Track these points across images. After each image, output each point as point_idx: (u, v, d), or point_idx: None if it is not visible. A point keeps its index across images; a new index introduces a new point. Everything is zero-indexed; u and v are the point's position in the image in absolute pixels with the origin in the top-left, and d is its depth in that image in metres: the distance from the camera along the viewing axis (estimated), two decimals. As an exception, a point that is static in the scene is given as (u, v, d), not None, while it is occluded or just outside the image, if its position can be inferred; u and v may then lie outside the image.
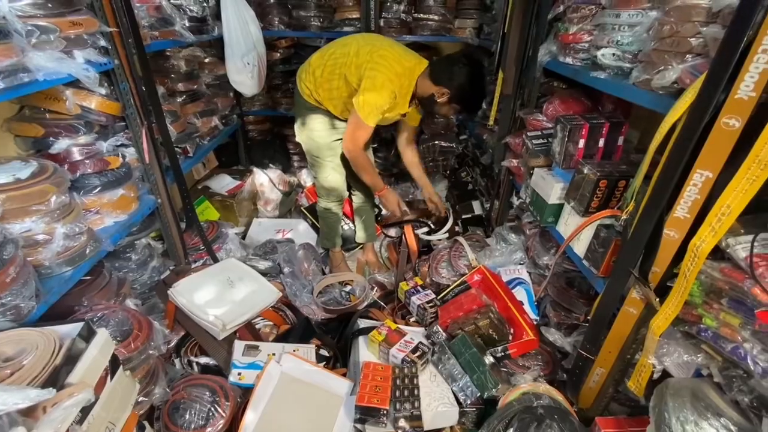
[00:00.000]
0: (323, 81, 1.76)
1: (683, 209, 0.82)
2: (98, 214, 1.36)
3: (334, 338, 1.68)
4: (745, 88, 0.68)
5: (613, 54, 1.16)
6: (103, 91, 1.31)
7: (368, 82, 1.62)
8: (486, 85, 1.96)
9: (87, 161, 1.31)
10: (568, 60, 1.38)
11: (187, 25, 1.82)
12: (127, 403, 0.97)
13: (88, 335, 0.88)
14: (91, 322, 0.91)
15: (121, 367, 0.96)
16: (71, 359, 0.81)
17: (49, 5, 1.08)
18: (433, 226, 2.41)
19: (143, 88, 1.44)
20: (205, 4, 1.95)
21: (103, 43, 1.25)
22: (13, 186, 1.04)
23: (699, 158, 0.77)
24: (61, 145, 1.26)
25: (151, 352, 1.11)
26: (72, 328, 0.88)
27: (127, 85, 1.39)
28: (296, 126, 2.01)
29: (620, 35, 1.12)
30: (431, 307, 1.69)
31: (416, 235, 2.37)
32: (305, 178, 2.92)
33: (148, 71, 1.45)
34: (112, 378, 0.91)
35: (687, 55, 0.91)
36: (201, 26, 1.96)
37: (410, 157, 2.18)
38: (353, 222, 2.44)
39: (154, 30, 1.60)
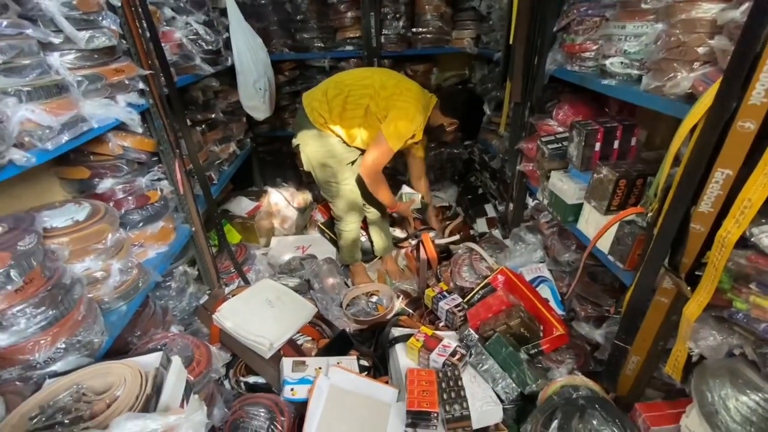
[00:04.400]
0: (341, 110, 1.85)
1: (707, 204, 0.90)
2: (142, 247, 1.42)
3: (370, 347, 1.74)
4: (757, 95, 0.77)
5: (621, 62, 1.24)
6: (140, 130, 1.37)
7: (401, 112, 1.74)
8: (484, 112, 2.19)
9: (130, 198, 1.37)
10: (575, 68, 1.47)
11: (203, 57, 1.90)
12: (201, 427, 1.02)
13: (166, 364, 0.94)
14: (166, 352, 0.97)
15: (192, 391, 1.02)
16: (157, 388, 0.87)
17: (95, 56, 1.15)
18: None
19: (175, 123, 1.51)
20: (218, 37, 2.03)
21: (141, 86, 1.32)
22: (74, 228, 1.10)
23: (719, 158, 0.85)
24: (106, 184, 1.32)
25: (212, 375, 1.16)
26: (152, 359, 0.94)
27: (161, 122, 1.46)
28: (306, 155, 2.04)
29: (627, 45, 1.21)
30: (459, 310, 1.75)
31: (433, 241, 2.44)
32: (317, 193, 2.98)
33: (180, 107, 1.53)
34: (187, 403, 0.97)
35: (694, 63, 1.00)
36: (216, 58, 2.04)
37: (423, 190, 2.39)
38: (368, 234, 2.50)
39: (177, 67, 1.67)
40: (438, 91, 2.10)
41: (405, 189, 2.37)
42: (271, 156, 3.21)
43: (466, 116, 1.94)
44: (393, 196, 2.10)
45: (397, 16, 2.65)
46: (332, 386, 1.37)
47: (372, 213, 2.34)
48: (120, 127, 1.33)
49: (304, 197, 2.93)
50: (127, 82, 1.26)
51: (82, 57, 1.12)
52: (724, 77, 0.81)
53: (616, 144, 1.34)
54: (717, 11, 0.93)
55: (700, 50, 0.98)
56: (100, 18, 1.12)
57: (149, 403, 0.82)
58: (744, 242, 0.86)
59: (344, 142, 1.96)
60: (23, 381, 0.91)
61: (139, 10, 1.30)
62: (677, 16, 1.02)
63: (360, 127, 1.88)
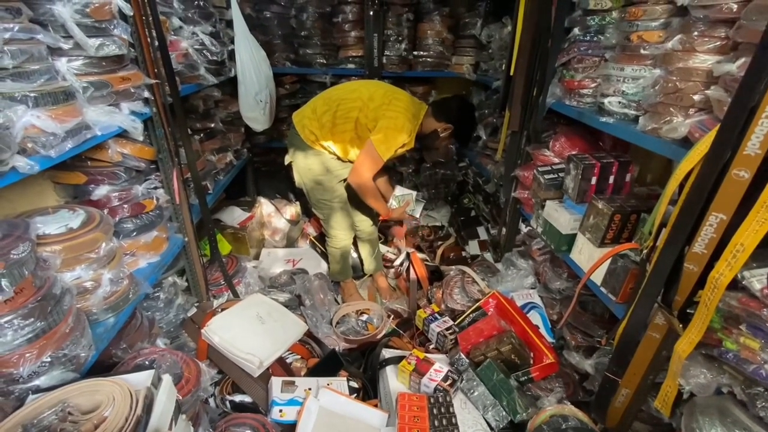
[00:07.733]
0: (332, 125, 1.86)
1: (701, 246, 0.93)
2: (134, 256, 1.39)
3: (359, 368, 1.71)
4: (752, 146, 0.81)
5: (619, 102, 1.29)
6: (141, 138, 1.36)
7: (390, 122, 1.75)
8: (477, 121, 2.21)
9: (125, 206, 1.34)
10: (573, 103, 1.52)
11: (207, 67, 1.90)
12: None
13: (157, 383, 0.91)
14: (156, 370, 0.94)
15: (180, 412, 0.99)
16: (148, 409, 0.84)
17: (103, 63, 1.14)
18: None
19: (176, 132, 1.50)
20: (223, 48, 2.04)
21: (146, 94, 1.30)
22: (68, 236, 1.07)
23: (714, 203, 0.89)
24: (101, 191, 1.29)
25: (201, 394, 1.13)
26: (142, 377, 0.91)
27: (163, 131, 1.44)
28: (298, 172, 2.06)
29: (625, 86, 1.26)
30: (450, 333, 1.75)
31: (424, 261, 2.45)
32: (309, 207, 2.97)
33: (183, 117, 1.52)
34: (175, 424, 0.94)
35: (690, 109, 1.05)
36: (220, 68, 2.05)
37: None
38: (358, 252, 2.49)
39: (181, 76, 1.66)
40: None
41: (398, 190, 2.19)
42: (266, 167, 3.20)
43: (459, 121, 1.94)
44: (385, 204, 2.10)
45: (400, 38, 2.71)
46: (321, 408, 1.34)
47: (362, 231, 2.34)
48: (121, 134, 1.32)
49: (297, 210, 2.92)
50: (132, 90, 1.25)
51: (90, 64, 1.11)
52: (721, 127, 0.85)
53: (611, 179, 1.38)
54: (713, 63, 0.99)
55: (696, 97, 1.03)
56: (112, 26, 1.12)
57: (139, 426, 0.79)
58: (735, 284, 0.89)
59: (337, 158, 1.97)
60: (3, 395, 0.86)
61: (150, 19, 1.30)
62: (674, 63, 1.07)
63: (351, 141, 1.89)
